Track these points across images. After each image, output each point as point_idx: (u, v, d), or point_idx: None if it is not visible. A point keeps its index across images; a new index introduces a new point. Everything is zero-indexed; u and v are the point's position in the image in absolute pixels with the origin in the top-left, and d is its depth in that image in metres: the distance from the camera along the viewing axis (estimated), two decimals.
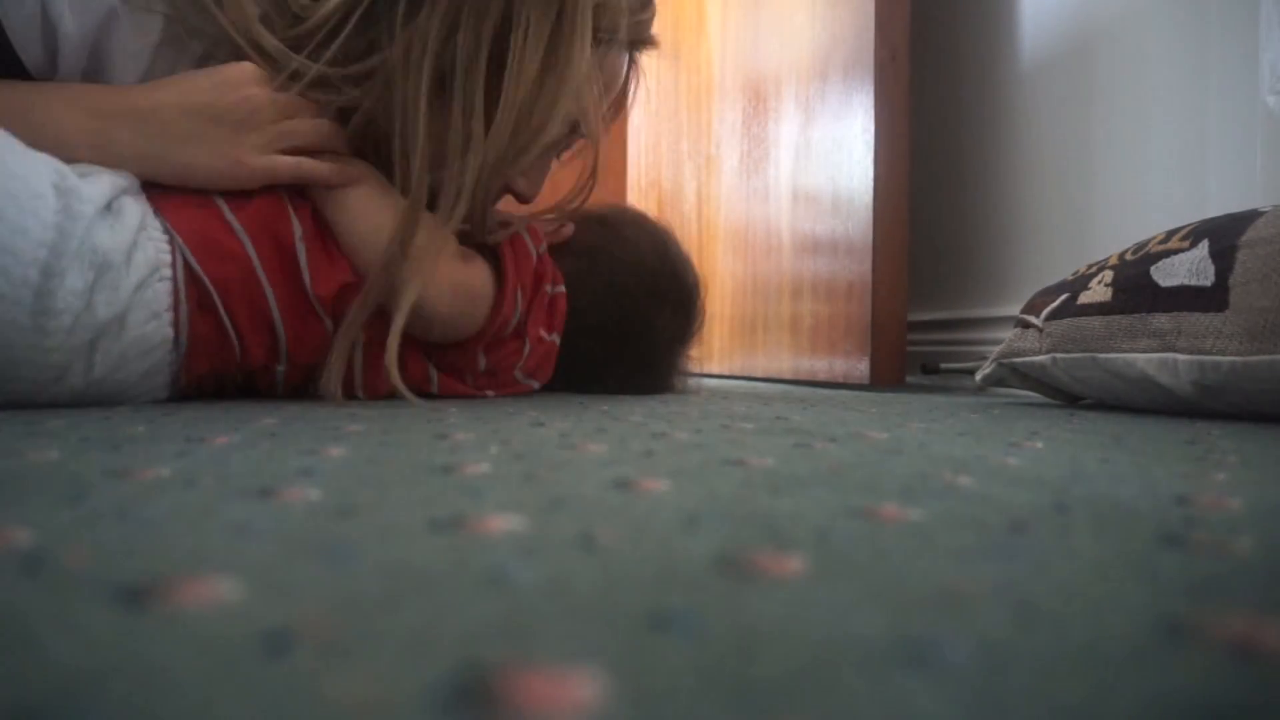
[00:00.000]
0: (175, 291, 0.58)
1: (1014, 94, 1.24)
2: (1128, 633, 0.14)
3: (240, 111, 0.62)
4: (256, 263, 0.62)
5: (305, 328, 0.64)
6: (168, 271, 0.58)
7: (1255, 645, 0.14)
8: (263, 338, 0.63)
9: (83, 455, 0.33)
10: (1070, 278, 0.81)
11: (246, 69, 0.63)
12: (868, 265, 1.21)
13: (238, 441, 0.38)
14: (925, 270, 1.37)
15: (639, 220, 0.89)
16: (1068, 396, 0.82)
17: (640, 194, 2.13)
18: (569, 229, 0.81)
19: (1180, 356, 0.65)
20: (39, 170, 0.53)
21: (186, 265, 0.59)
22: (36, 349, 0.51)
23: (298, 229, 0.64)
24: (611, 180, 2.23)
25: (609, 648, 0.13)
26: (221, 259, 0.60)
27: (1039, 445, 0.43)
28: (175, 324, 0.58)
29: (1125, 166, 1.07)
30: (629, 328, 0.80)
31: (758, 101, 1.58)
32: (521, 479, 0.29)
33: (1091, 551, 0.20)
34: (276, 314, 0.62)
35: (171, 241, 0.59)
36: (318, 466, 0.31)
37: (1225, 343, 0.62)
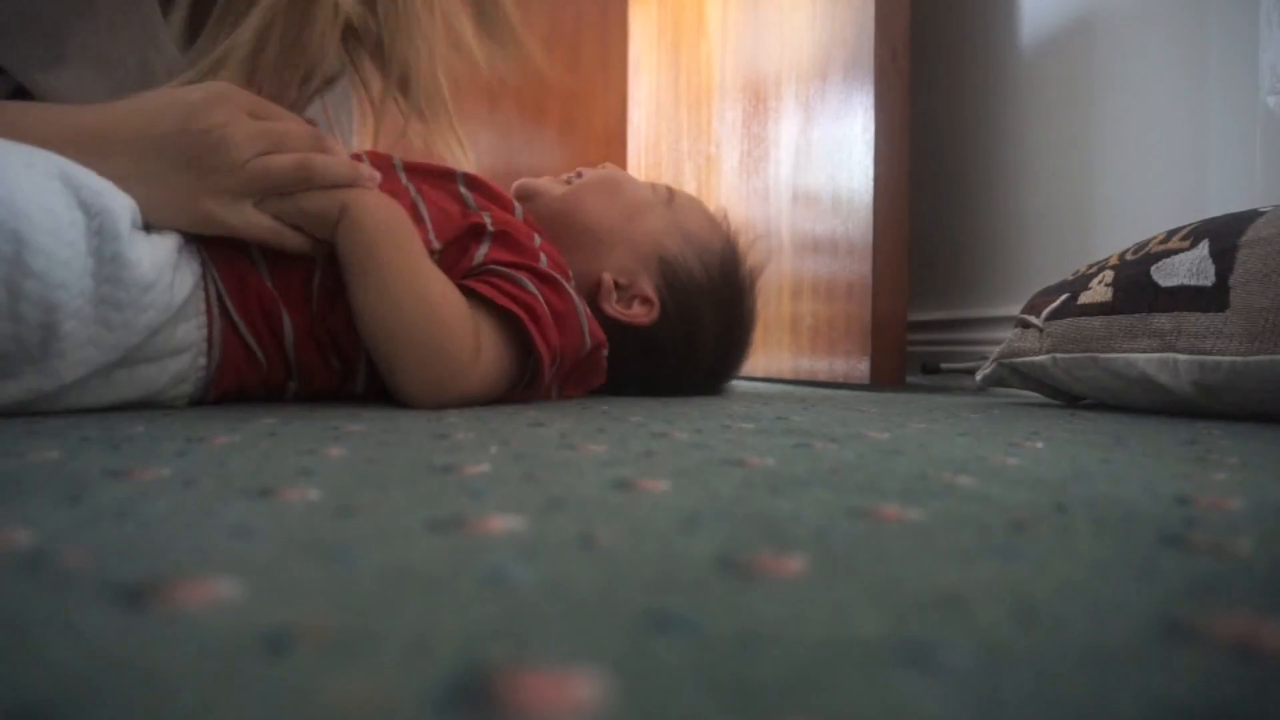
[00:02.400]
0: (209, 322, 0.57)
1: (1014, 94, 1.24)
2: (1128, 633, 0.14)
3: (207, 148, 0.53)
4: (278, 297, 0.60)
5: (314, 359, 0.62)
6: (202, 305, 0.56)
7: (1255, 645, 0.14)
8: (280, 360, 0.61)
9: (83, 455, 0.33)
10: (1070, 278, 0.81)
11: (217, 87, 0.55)
12: (868, 265, 1.21)
13: (238, 441, 0.38)
14: (925, 270, 1.37)
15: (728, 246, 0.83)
16: (1068, 396, 0.82)
17: None
18: (655, 313, 0.75)
19: (1180, 356, 0.65)
20: (58, 191, 0.47)
21: (220, 296, 0.57)
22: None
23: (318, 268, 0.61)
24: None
25: (609, 648, 0.13)
26: (245, 292, 0.58)
27: (1039, 445, 0.43)
28: (208, 353, 0.57)
29: (1125, 167, 1.07)
30: (684, 351, 0.79)
31: (758, 101, 1.58)
32: (521, 479, 0.29)
33: (1091, 551, 0.20)
34: (291, 345, 0.61)
35: (205, 271, 0.57)
36: (318, 466, 0.31)
37: (1225, 343, 0.62)
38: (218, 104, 0.54)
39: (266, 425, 0.45)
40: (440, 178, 0.71)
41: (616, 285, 0.74)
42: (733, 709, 0.11)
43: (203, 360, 0.57)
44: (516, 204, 0.73)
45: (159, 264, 0.52)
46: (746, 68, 1.64)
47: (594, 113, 2.30)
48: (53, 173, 0.47)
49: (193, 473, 0.29)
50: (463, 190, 0.71)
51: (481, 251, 0.65)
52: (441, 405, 0.59)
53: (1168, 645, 0.14)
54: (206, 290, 0.56)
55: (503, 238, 0.66)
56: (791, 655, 0.13)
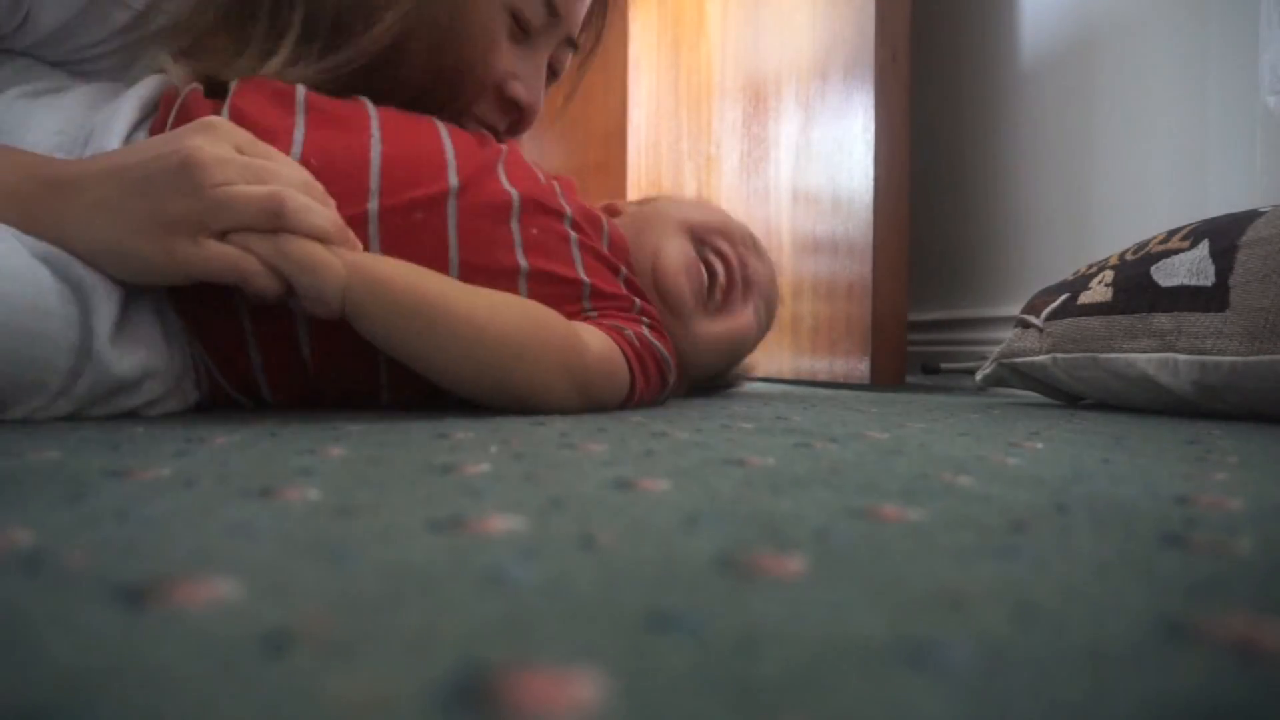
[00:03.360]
0: (197, 383, 0.55)
1: (1014, 94, 1.24)
2: (1128, 633, 0.14)
3: (171, 168, 0.46)
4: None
5: (334, 348, 0.58)
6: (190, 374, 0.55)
7: (1255, 645, 0.14)
8: (289, 360, 0.58)
9: (83, 455, 0.33)
10: (1070, 278, 0.81)
11: (207, 120, 0.50)
12: (868, 265, 1.21)
13: (238, 441, 0.38)
14: (925, 270, 1.37)
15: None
16: (1068, 396, 0.82)
17: (640, 193, 2.13)
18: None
19: (1180, 356, 0.65)
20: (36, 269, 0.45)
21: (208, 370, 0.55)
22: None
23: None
24: (612, 180, 2.24)
25: (609, 648, 0.13)
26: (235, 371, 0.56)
27: (1039, 445, 0.43)
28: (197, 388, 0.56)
29: (1125, 166, 1.07)
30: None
31: (758, 101, 1.58)
32: (521, 479, 0.29)
33: (1091, 551, 0.20)
34: (306, 345, 0.57)
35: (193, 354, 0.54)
36: (318, 466, 0.31)
37: (1225, 343, 0.62)
38: (201, 131, 0.48)
39: (266, 425, 0.45)
40: (550, 215, 0.65)
41: None
42: (733, 709, 0.11)
43: (193, 397, 0.56)
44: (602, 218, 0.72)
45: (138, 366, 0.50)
46: (746, 68, 1.64)
47: (594, 112, 2.30)
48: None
49: (193, 473, 0.29)
50: (571, 233, 0.66)
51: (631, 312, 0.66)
52: (586, 396, 0.56)
53: (1168, 645, 0.14)
54: (196, 369, 0.55)
55: (651, 319, 0.67)
56: (791, 655, 0.13)
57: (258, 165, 0.49)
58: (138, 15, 0.61)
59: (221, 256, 0.47)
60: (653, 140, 2.09)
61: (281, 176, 0.49)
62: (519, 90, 0.68)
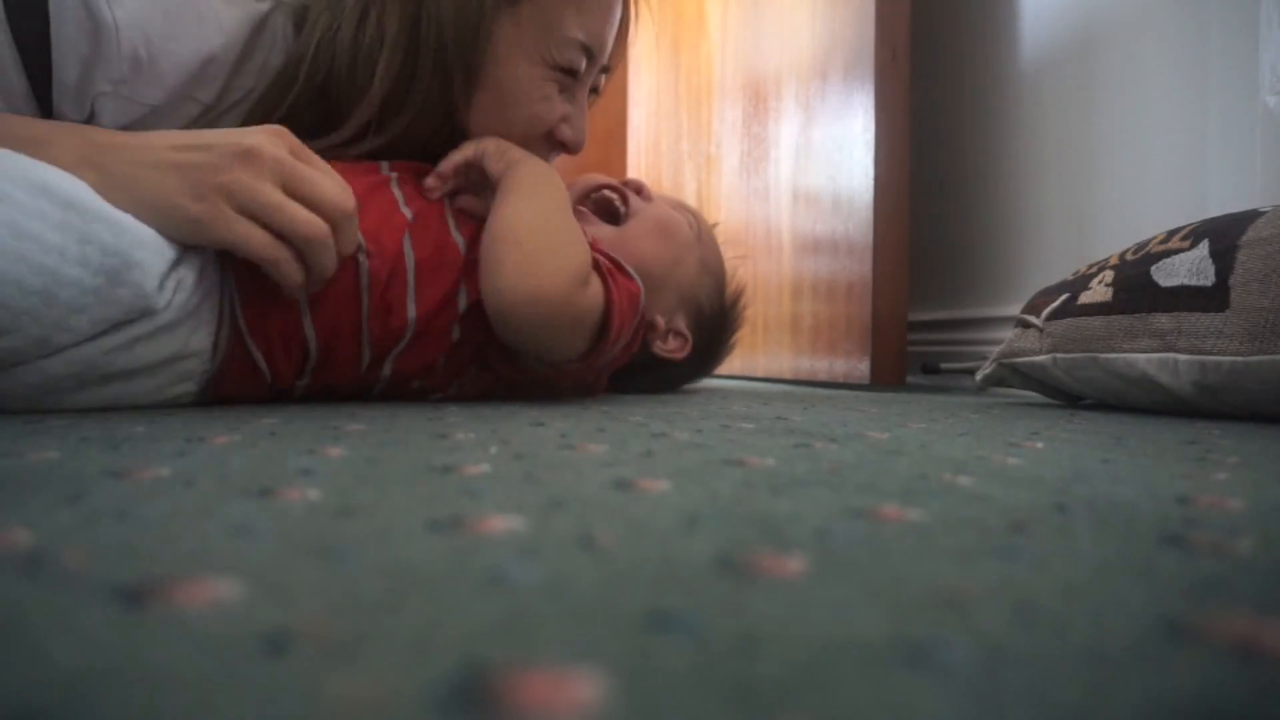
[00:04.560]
0: (217, 329, 0.56)
1: (1014, 94, 1.24)
2: (1128, 633, 0.14)
3: (236, 151, 0.52)
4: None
5: (341, 353, 0.62)
6: (213, 315, 0.56)
7: (1255, 645, 0.14)
8: (295, 359, 0.60)
9: (83, 455, 0.33)
10: (1070, 278, 0.81)
11: (272, 125, 0.56)
12: (868, 265, 1.21)
13: (238, 441, 0.38)
14: (925, 270, 1.37)
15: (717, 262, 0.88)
16: (1068, 396, 0.82)
17: None
18: (688, 348, 0.82)
19: (1180, 356, 0.65)
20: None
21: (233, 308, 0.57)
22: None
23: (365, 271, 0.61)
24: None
25: (609, 648, 0.13)
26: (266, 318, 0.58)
27: (1039, 445, 0.43)
28: (212, 358, 0.57)
29: (1125, 166, 1.07)
30: (689, 369, 0.86)
31: (758, 101, 1.58)
32: (521, 479, 0.29)
33: (1091, 551, 0.20)
34: (313, 341, 0.60)
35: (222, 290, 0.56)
36: (318, 466, 0.31)
37: (1225, 343, 0.62)
38: (263, 131, 0.55)
39: (266, 425, 0.45)
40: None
41: (663, 325, 0.80)
42: (733, 709, 0.11)
43: (206, 365, 0.57)
44: None
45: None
46: (746, 68, 1.63)
47: (594, 113, 2.29)
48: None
49: (193, 473, 0.29)
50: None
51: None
52: (539, 300, 0.60)
53: (1168, 645, 0.14)
54: (221, 304, 0.56)
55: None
56: (791, 655, 0.13)
57: (306, 174, 0.55)
58: (207, 106, 0.64)
59: (258, 238, 0.53)
60: (653, 140, 2.09)
61: (320, 185, 0.55)
62: (567, 133, 0.74)
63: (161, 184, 0.51)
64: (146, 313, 0.51)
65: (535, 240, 0.61)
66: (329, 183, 0.56)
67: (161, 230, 0.52)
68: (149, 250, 0.50)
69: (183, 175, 0.52)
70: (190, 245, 0.54)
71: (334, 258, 0.57)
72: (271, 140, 0.54)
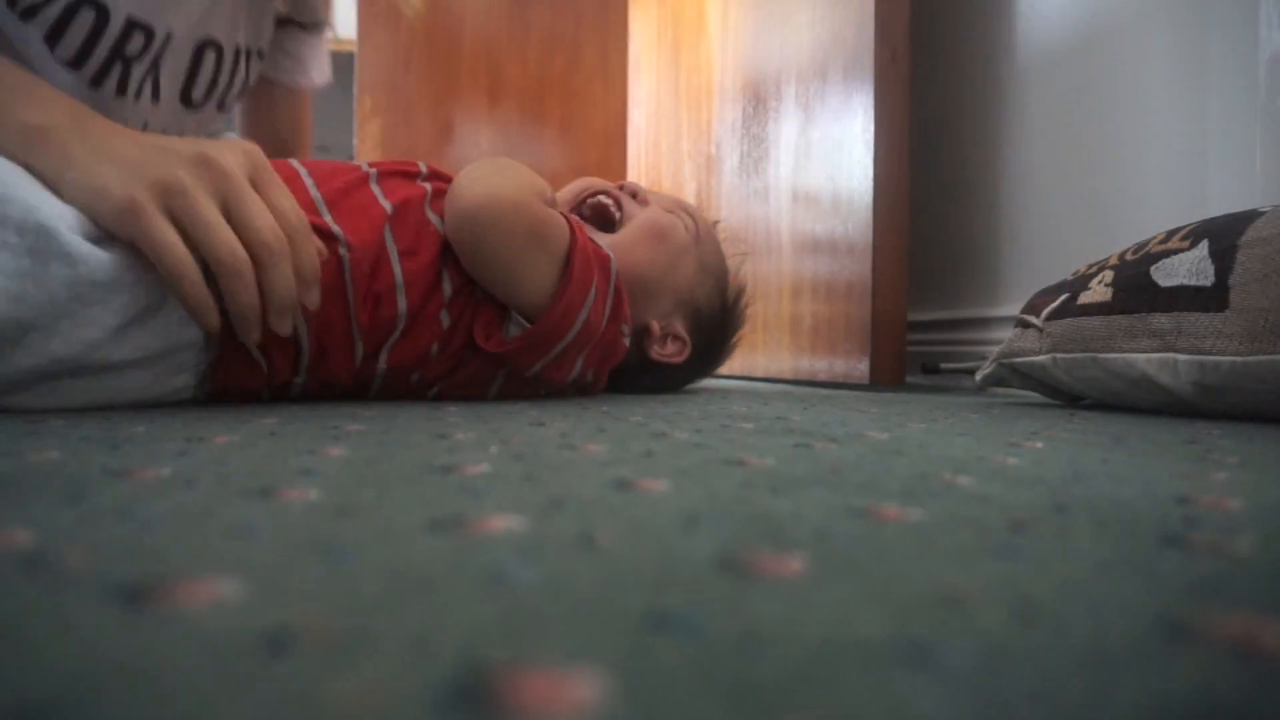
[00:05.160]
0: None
1: (1014, 94, 1.24)
2: (1128, 633, 0.14)
3: (190, 155, 0.52)
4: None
5: (333, 346, 0.62)
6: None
7: (1255, 645, 0.14)
8: (288, 350, 0.61)
9: (83, 455, 0.33)
10: (1070, 278, 0.81)
11: (240, 142, 0.56)
12: (868, 265, 1.21)
13: (238, 441, 0.38)
14: (925, 270, 1.37)
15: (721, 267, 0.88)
16: (1068, 396, 0.82)
17: None
18: (687, 352, 0.81)
19: (1180, 356, 0.65)
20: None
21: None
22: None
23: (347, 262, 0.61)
24: (612, 180, 2.23)
25: (609, 648, 0.13)
26: None
27: (1039, 445, 0.43)
28: (205, 349, 0.57)
29: (1125, 166, 1.07)
30: (689, 370, 0.86)
31: (758, 101, 1.58)
32: (521, 479, 0.29)
33: (1091, 551, 0.20)
34: (304, 334, 0.61)
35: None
36: (318, 466, 0.31)
37: (1225, 343, 0.62)
38: (227, 145, 0.54)
39: (266, 425, 0.45)
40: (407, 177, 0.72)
41: (660, 330, 0.80)
42: (733, 709, 0.11)
43: (200, 357, 0.57)
44: None
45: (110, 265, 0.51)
46: (746, 68, 1.63)
47: (594, 113, 2.29)
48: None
49: (193, 473, 0.29)
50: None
51: None
52: (496, 198, 0.64)
53: (1168, 645, 0.14)
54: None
55: None
56: (791, 655, 0.13)
57: (250, 201, 0.52)
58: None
59: (171, 248, 0.50)
60: (653, 140, 2.09)
61: (260, 220, 0.53)
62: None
63: (101, 172, 0.51)
64: (95, 283, 0.49)
65: (496, 170, 0.66)
66: (267, 219, 0.53)
67: (89, 215, 0.50)
68: (69, 221, 0.49)
69: (125, 167, 0.51)
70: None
71: (253, 296, 0.53)
72: (234, 155, 0.53)
